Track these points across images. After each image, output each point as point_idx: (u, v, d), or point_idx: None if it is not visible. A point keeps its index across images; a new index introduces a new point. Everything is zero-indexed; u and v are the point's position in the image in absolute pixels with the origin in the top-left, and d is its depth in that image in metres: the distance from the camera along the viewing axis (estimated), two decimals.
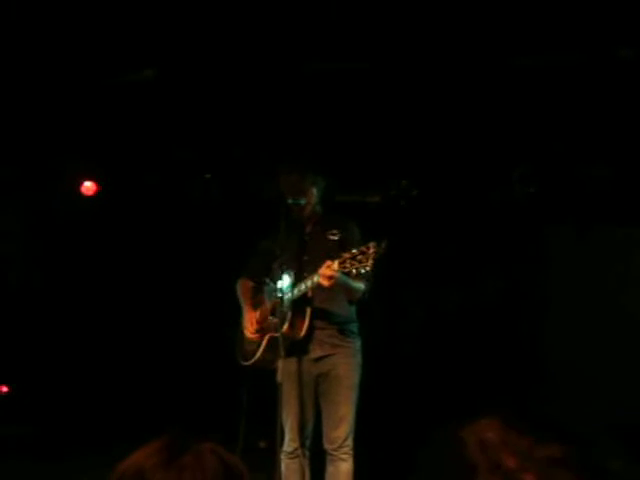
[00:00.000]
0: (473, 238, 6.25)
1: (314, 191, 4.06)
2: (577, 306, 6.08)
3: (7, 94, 5.60)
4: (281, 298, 3.84)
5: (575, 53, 4.93)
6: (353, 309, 4.06)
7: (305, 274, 3.88)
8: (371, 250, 3.43)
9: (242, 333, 4.23)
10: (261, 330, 4.09)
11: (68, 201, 6.56)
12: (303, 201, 4.00)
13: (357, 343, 4.04)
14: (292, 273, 3.92)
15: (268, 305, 4.07)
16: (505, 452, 1.05)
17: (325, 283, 3.62)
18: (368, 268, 3.45)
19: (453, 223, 6.28)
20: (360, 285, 3.86)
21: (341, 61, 5.19)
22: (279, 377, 3.76)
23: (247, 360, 4.14)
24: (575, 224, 6.02)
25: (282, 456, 3.98)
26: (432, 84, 5.36)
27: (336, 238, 3.99)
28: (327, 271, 3.58)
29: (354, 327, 4.05)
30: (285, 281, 3.89)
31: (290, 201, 3.97)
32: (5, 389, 6.65)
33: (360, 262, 3.46)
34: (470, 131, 5.78)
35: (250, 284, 4.28)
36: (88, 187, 6.53)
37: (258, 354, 4.07)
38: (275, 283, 3.91)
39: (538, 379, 6.05)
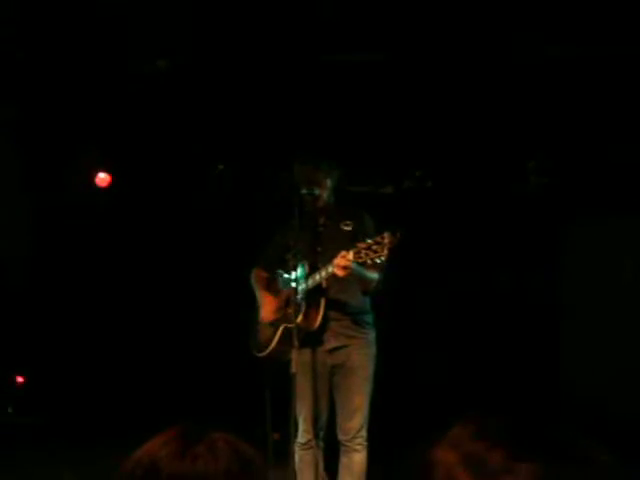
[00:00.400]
0: (487, 230, 6.22)
1: (328, 182, 4.04)
2: (593, 299, 6.04)
3: (22, 86, 5.62)
4: (295, 289, 3.83)
5: (587, 46, 4.88)
6: (367, 300, 4.04)
7: (319, 265, 3.86)
8: (386, 240, 3.42)
9: (256, 324, 4.23)
10: (275, 321, 4.08)
11: (82, 192, 6.57)
12: (317, 192, 3.98)
13: (372, 334, 4.02)
14: (306, 264, 3.90)
15: (282, 296, 4.06)
16: (466, 477, 0.97)
17: (340, 273, 3.61)
18: (383, 258, 3.43)
19: (466, 214, 6.25)
20: (374, 275, 3.85)
21: (355, 52, 5.17)
22: (293, 368, 3.75)
23: (261, 351, 4.13)
24: (590, 215, 5.98)
25: (296, 447, 3.97)
26: (446, 75, 5.33)
27: (350, 229, 3.98)
28: (342, 261, 3.56)
29: (369, 318, 4.03)
30: (299, 272, 3.87)
31: (304, 191, 3.95)
32: (21, 380, 6.69)
33: (375, 252, 3.44)
34: (484, 122, 5.74)
35: (264, 274, 4.26)
36: (102, 178, 6.55)
37: (272, 345, 4.05)
38: (288, 274, 3.90)
39: (553, 373, 6.02)
